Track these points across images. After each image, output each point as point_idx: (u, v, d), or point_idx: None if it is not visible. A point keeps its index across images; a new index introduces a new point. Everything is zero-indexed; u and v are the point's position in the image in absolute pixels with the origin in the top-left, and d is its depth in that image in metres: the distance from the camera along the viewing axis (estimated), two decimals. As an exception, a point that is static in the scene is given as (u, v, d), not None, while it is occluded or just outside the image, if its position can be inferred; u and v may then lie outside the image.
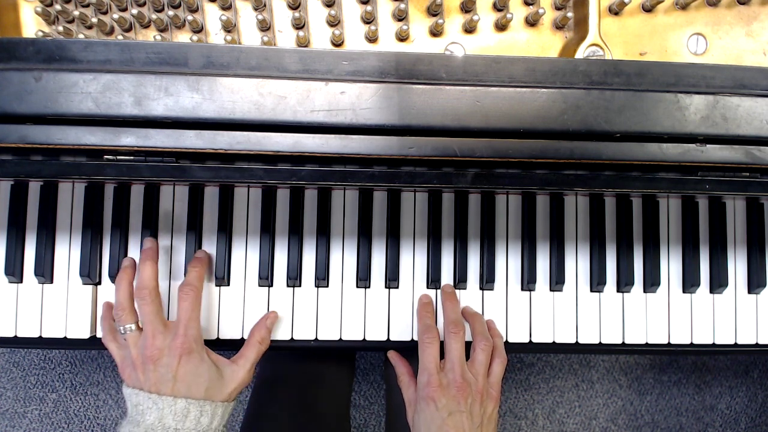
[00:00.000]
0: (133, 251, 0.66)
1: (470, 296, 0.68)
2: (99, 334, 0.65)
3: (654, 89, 0.50)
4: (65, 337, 0.65)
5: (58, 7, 0.58)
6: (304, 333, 0.67)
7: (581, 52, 0.58)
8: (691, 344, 0.70)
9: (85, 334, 0.65)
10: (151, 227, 0.65)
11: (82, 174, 0.53)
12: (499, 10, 0.60)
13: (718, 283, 0.70)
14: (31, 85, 0.47)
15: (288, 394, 0.78)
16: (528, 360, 1.41)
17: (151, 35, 0.59)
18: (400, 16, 0.60)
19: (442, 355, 0.62)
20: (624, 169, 0.55)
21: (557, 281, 0.68)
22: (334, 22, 0.59)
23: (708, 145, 0.51)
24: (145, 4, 0.58)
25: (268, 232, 0.66)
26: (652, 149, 0.51)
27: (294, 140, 0.50)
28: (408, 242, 0.68)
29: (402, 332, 0.67)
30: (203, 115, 0.48)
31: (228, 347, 0.66)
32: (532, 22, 0.60)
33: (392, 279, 0.67)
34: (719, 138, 0.51)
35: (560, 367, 1.41)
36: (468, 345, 0.63)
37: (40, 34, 0.58)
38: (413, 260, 0.68)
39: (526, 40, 0.61)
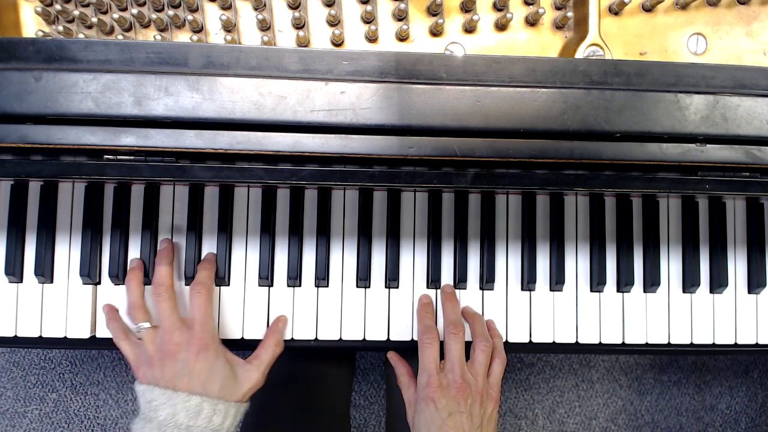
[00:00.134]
0: (133, 251, 0.66)
1: (470, 296, 0.68)
2: (99, 334, 0.65)
3: (654, 89, 0.50)
4: (65, 337, 0.65)
5: (58, 7, 0.58)
6: (304, 333, 0.67)
7: (581, 52, 0.58)
8: (691, 344, 0.70)
9: (85, 334, 0.65)
10: (151, 227, 0.65)
11: (82, 174, 0.53)
12: (499, 10, 0.60)
13: (718, 283, 0.70)
14: (31, 85, 0.47)
15: (288, 394, 0.78)
16: (528, 360, 1.41)
17: (151, 35, 0.59)
18: (400, 16, 0.60)
19: (441, 356, 0.62)
20: (624, 169, 0.55)
21: (557, 281, 0.68)
22: (334, 22, 0.59)
23: (708, 145, 0.51)
24: (145, 4, 0.58)
25: (268, 232, 0.66)
26: (652, 149, 0.51)
27: (294, 140, 0.50)
28: (408, 242, 0.68)
29: (402, 332, 0.67)
30: (203, 115, 0.48)
31: (228, 347, 0.66)
32: (532, 21, 0.60)
33: (392, 279, 0.67)
34: (719, 138, 0.51)
35: (560, 367, 1.41)
36: (468, 345, 0.63)
37: (40, 34, 0.58)
38: (413, 260, 0.68)
39: (526, 40, 0.61)
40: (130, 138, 0.49)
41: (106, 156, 0.52)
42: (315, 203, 0.67)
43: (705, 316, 0.70)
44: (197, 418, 0.56)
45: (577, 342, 0.69)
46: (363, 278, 0.67)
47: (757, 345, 0.70)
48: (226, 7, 0.59)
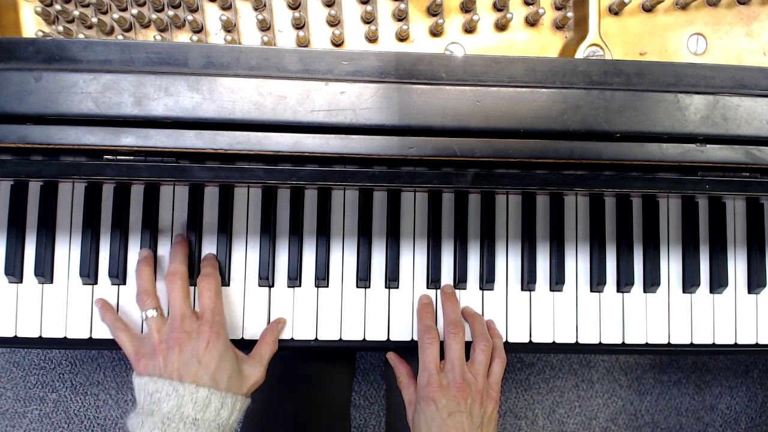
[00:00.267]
0: (133, 251, 0.66)
1: (470, 296, 0.68)
2: (98, 335, 0.65)
3: (654, 89, 0.50)
4: (65, 337, 0.65)
5: (58, 7, 0.58)
6: (304, 333, 0.67)
7: (581, 52, 0.58)
8: (691, 344, 0.70)
9: (85, 334, 0.65)
10: (151, 227, 0.65)
11: (82, 174, 0.53)
12: (499, 10, 0.60)
13: (718, 283, 0.70)
14: (31, 85, 0.47)
15: (288, 394, 0.78)
16: (528, 360, 1.41)
17: (151, 35, 0.59)
18: (400, 16, 0.60)
19: (441, 356, 0.62)
20: (624, 169, 0.55)
21: (557, 281, 0.68)
22: (334, 22, 0.59)
23: (708, 145, 0.51)
24: (145, 4, 0.58)
25: (268, 232, 0.66)
26: (652, 149, 0.51)
27: (294, 140, 0.50)
28: (408, 242, 0.68)
29: (402, 332, 0.67)
30: (203, 115, 0.48)
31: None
32: (532, 22, 0.60)
33: (392, 279, 0.67)
34: (719, 138, 0.51)
35: (560, 367, 1.41)
36: (468, 345, 0.63)
37: (40, 34, 0.58)
38: (413, 260, 0.68)
39: (526, 40, 0.61)
40: (129, 138, 0.49)
41: (106, 156, 0.52)
42: (315, 203, 0.67)
43: (705, 316, 0.70)
44: (205, 411, 0.54)
45: (577, 342, 0.69)
46: (363, 278, 0.67)
47: (757, 345, 0.70)
48: (226, 7, 0.59)
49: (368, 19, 0.59)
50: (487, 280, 0.68)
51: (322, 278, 0.66)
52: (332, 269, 0.67)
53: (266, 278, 0.66)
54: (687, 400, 1.43)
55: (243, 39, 0.59)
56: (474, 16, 0.58)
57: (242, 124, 0.49)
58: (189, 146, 0.49)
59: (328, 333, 0.67)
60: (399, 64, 0.49)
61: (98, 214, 0.66)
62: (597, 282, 0.68)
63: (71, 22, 0.58)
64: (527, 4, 0.61)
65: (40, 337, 0.65)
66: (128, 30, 0.59)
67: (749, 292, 0.71)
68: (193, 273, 0.65)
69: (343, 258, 0.67)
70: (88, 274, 0.65)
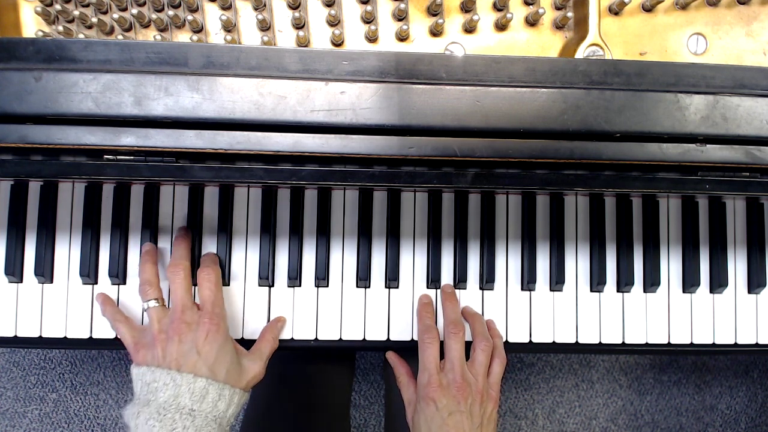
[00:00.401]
0: (133, 251, 0.66)
1: (470, 296, 0.68)
2: (98, 335, 0.65)
3: (654, 89, 0.50)
4: (65, 337, 0.65)
5: (58, 7, 0.58)
6: (304, 333, 0.67)
7: (581, 52, 0.58)
8: (691, 344, 0.70)
9: (85, 334, 0.65)
10: (151, 227, 0.65)
11: (82, 174, 0.53)
12: (499, 10, 0.60)
13: (718, 283, 0.70)
14: (31, 85, 0.47)
15: (288, 393, 0.78)
16: (528, 360, 1.41)
17: (151, 35, 0.59)
18: (400, 16, 0.60)
19: (441, 356, 0.62)
20: (624, 169, 0.55)
21: (557, 281, 0.68)
22: (334, 22, 0.59)
23: (708, 145, 0.51)
24: (145, 4, 0.58)
25: (268, 232, 0.66)
26: (652, 149, 0.51)
27: (294, 140, 0.50)
28: (408, 242, 0.68)
29: (402, 332, 0.68)
30: (203, 115, 0.48)
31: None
32: (532, 22, 0.60)
33: (392, 279, 0.67)
34: (719, 138, 0.51)
35: (560, 367, 1.41)
36: (468, 345, 0.63)
37: (40, 34, 0.58)
38: (413, 260, 0.68)
39: (526, 40, 0.61)
40: (130, 138, 0.49)
41: (106, 156, 0.52)
42: (315, 203, 0.67)
43: (705, 316, 0.70)
44: (202, 402, 0.53)
45: (577, 342, 0.69)
46: (363, 278, 0.67)
47: (757, 345, 0.70)
48: (226, 7, 0.59)
49: (368, 19, 0.59)
50: (487, 280, 0.68)
51: (322, 278, 0.66)
52: (332, 269, 0.67)
53: (266, 278, 0.66)
54: (687, 400, 1.43)
55: (243, 39, 0.60)
56: (474, 16, 0.58)
57: (242, 124, 0.49)
58: (189, 146, 0.49)
59: (328, 333, 0.67)
60: (399, 64, 0.49)
61: (98, 214, 0.66)
62: (597, 282, 0.68)
63: (71, 22, 0.58)
64: (527, 4, 0.61)
65: (40, 336, 0.65)
66: (128, 30, 0.59)
67: (749, 292, 0.71)
68: (194, 272, 0.65)
69: (343, 258, 0.67)
70: (88, 274, 0.65)
